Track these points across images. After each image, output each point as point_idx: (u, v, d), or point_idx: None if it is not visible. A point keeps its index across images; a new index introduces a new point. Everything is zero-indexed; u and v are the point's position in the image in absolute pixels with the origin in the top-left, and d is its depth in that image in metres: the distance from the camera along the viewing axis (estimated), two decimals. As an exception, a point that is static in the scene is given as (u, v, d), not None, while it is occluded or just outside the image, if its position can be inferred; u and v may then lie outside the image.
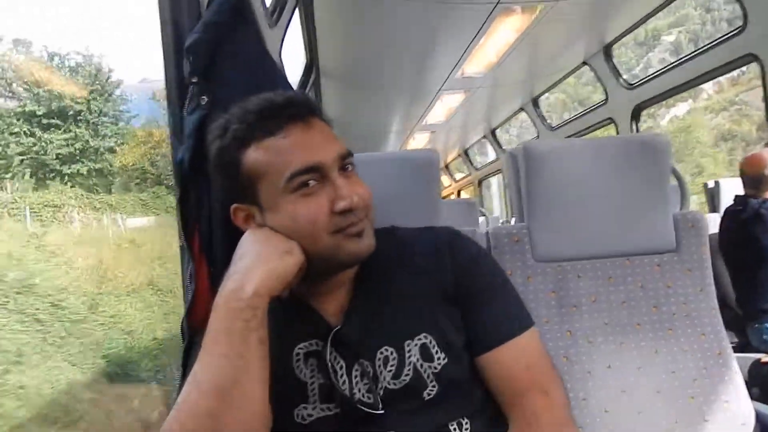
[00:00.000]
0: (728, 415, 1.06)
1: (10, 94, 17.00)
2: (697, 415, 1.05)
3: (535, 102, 4.51)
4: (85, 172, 16.52)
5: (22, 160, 15.75)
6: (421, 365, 0.73)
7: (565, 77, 3.99)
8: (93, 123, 17.26)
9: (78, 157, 16.64)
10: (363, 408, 0.70)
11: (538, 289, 1.13)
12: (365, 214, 0.72)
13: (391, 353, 0.73)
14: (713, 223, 2.43)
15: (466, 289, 0.78)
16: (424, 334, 0.74)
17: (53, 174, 16.11)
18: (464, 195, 7.51)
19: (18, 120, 16.18)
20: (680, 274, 1.14)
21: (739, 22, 2.34)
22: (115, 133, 17.94)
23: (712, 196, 3.08)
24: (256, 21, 1.24)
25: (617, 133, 3.41)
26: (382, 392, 0.72)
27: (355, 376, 0.73)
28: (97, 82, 18.02)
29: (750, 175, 2.38)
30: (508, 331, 0.76)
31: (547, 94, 4.54)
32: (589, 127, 3.82)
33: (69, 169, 16.33)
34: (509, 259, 1.14)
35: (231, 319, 0.63)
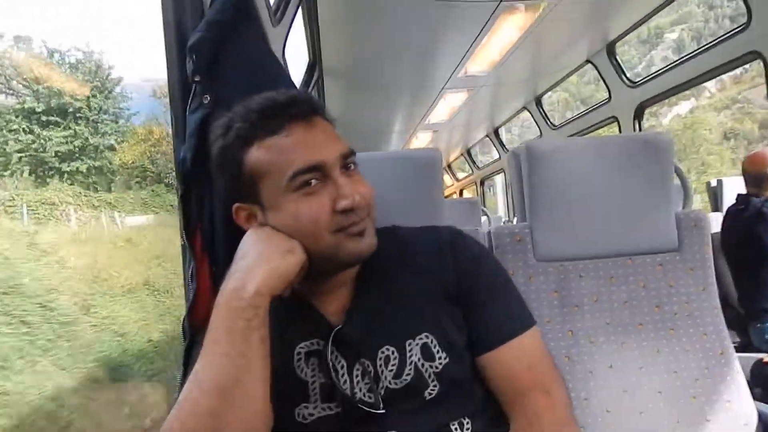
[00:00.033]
0: (730, 415, 1.06)
1: (10, 91, 16.96)
2: (699, 415, 1.05)
3: (538, 101, 4.50)
4: (84, 170, 16.53)
5: (20, 158, 15.75)
6: (423, 365, 0.73)
7: (568, 76, 3.97)
8: (93, 120, 17.25)
9: (77, 155, 16.67)
10: (364, 407, 0.70)
11: (539, 289, 1.13)
12: (367, 213, 0.72)
13: (393, 353, 0.73)
14: (716, 222, 2.43)
15: (468, 289, 0.78)
16: (425, 334, 0.74)
17: (52, 172, 16.09)
18: (466, 195, 7.50)
19: (17, 117, 16.19)
20: (682, 274, 1.14)
21: (742, 20, 2.33)
22: (115, 131, 17.89)
23: (715, 195, 3.07)
24: (259, 19, 1.24)
25: (620, 131, 3.40)
26: (383, 392, 0.72)
27: (356, 376, 0.73)
28: (97, 79, 17.98)
29: (752, 173, 2.37)
30: (510, 330, 0.76)
31: (549, 93, 4.53)
32: (592, 125, 3.81)
33: (68, 166, 16.36)
34: (511, 258, 1.14)
35: (232, 318, 0.63)
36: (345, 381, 0.72)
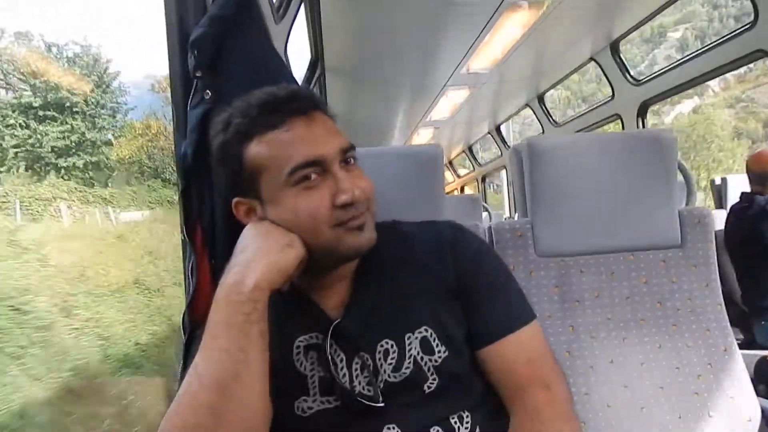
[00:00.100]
0: (734, 411, 1.05)
1: (7, 85, 16.82)
2: (701, 411, 1.05)
3: (541, 98, 4.49)
4: (81, 166, 16.37)
5: (16, 153, 15.60)
6: (422, 358, 0.73)
7: (571, 73, 3.97)
8: (90, 115, 17.11)
9: (74, 150, 16.50)
10: (363, 401, 0.70)
11: (540, 284, 1.13)
12: (366, 207, 0.72)
13: (392, 346, 0.73)
14: (719, 219, 2.42)
15: (469, 286, 0.78)
16: (424, 327, 0.74)
17: (49, 167, 15.94)
18: (468, 192, 7.50)
19: (13, 112, 16.02)
20: (685, 270, 1.14)
21: (747, 19, 2.31)
22: (113, 126, 17.75)
23: (719, 193, 3.06)
24: (261, 16, 1.24)
25: (623, 129, 3.38)
26: (382, 385, 0.72)
27: (356, 369, 0.73)
28: (94, 73, 17.83)
29: (756, 172, 2.36)
30: (510, 325, 0.76)
31: (551, 91, 4.51)
32: (595, 123, 3.80)
33: (65, 162, 16.19)
34: (512, 254, 1.14)
35: (232, 312, 0.63)
36: (344, 374, 0.72)
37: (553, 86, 4.36)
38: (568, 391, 0.76)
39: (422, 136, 5.87)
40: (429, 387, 0.73)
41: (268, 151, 0.69)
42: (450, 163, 7.63)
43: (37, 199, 12.99)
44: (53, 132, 16.18)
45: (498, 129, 5.64)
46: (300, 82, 1.81)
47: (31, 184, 14.08)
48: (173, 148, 1.02)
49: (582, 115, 4.03)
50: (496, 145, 5.86)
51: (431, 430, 0.71)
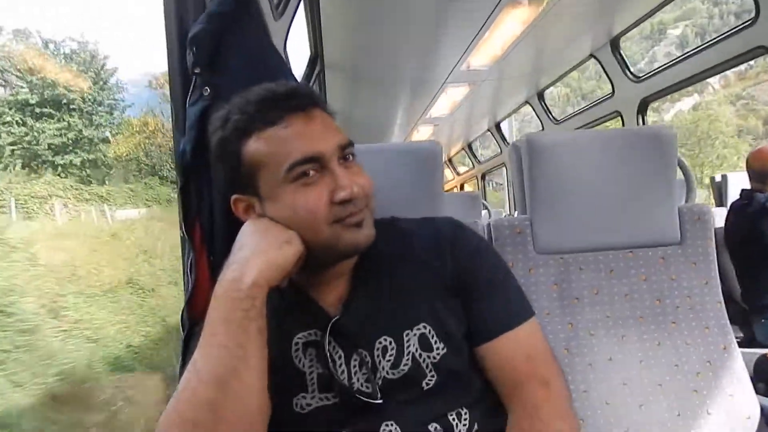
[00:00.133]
0: (733, 409, 1.05)
1: (3, 82, 16.64)
2: (700, 409, 1.05)
3: (541, 95, 4.48)
4: (78, 163, 16.23)
5: (13, 151, 15.46)
6: (420, 355, 0.73)
7: (571, 70, 3.96)
8: (87, 112, 16.96)
9: (71, 148, 16.36)
10: (361, 397, 0.70)
11: (539, 281, 1.13)
12: (365, 204, 0.71)
13: (390, 343, 0.73)
14: (719, 217, 2.42)
15: (468, 283, 0.78)
16: (423, 324, 0.74)
17: (46, 165, 15.80)
18: (468, 189, 7.49)
19: (10, 109, 15.85)
20: (684, 267, 1.14)
21: (748, 17, 2.31)
22: (110, 123, 17.56)
23: (719, 190, 3.05)
24: (260, 12, 1.23)
25: (623, 126, 3.38)
26: (380, 382, 0.72)
27: (354, 366, 0.73)
28: (91, 70, 17.66)
29: (756, 169, 2.36)
30: (509, 322, 0.76)
31: (551, 88, 4.51)
32: (595, 120, 3.79)
33: (62, 159, 16.04)
34: (511, 251, 1.14)
35: (230, 308, 0.63)
36: (342, 371, 0.72)
37: (553, 83, 4.35)
38: (567, 388, 0.76)
39: (422, 133, 5.86)
40: (427, 384, 0.73)
41: (267, 148, 0.69)
42: (449, 160, 7.62)
43: (33, 197, 12.85)
44: (50, 129, 16.02)
45: (498, 126, 5.64)
46: (299, 79, 1.81)
47: (27, 182, 13.88)
48: (171, 145, 1.02)
49: (582, 112, 4.02)
50: (496, 143, 5.86)
51: (429, 426, 0.71)
